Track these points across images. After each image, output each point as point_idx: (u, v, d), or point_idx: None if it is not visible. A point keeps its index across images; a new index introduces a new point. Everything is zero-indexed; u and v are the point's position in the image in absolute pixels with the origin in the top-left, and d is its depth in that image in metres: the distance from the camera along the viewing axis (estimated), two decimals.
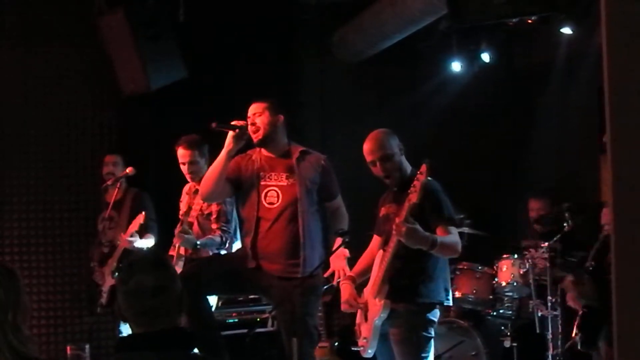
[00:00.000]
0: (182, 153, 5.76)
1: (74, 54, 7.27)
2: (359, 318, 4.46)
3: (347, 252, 4.77)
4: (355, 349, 4.49)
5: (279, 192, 4.84)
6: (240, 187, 4.96)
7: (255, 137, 4.85)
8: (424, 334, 4.29)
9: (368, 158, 4.39)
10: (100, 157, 7.06)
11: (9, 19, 7.17)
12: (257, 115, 4.86)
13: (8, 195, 7.20)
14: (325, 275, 4.83)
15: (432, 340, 4.34)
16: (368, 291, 4.43)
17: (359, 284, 4.53)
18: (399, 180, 4.38)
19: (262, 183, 4.86)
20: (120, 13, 6.51)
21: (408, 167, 4.42)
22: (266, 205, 4.84)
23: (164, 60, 6.66)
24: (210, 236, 5.65)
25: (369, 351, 4.36)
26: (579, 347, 5.30)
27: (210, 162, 5.78)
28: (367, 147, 4.39)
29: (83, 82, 7.33)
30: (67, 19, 7.20)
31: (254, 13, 7.30)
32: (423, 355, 4.28)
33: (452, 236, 4.25)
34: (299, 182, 4.82)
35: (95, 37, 6.78)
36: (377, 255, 4.43)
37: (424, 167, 4.03)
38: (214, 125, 4.76)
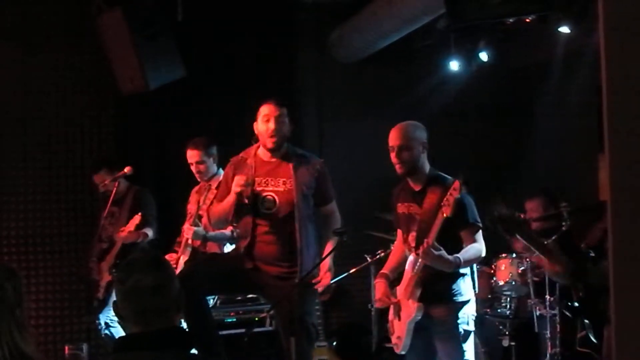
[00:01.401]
0: (190, 154, 5.87)
1: (73, 54, 7.28)
2: (391, 315, 4.55)
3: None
4: (389, 345, 4.65)
5: (276, 197, 4.82)
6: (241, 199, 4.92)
7: (272, 141, 4.81)
8: (466, 329, 4.40)
9: (389, 143, 4.46)
10: (99, 155, 7.07)
11: (9, 19, 7.17)
12: (279, 119, 4.81)
13: (8, 195, 7.20)
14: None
15: (472, 334, 4.46)
16: (401, 291, 4.50)
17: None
18: (411, 172, 4.43)
19: (259, 188, 4.85)
20: (119, 12, 6.49)
21: (427, 166, 4.49)
22: (263, 210, 4.84)
23: (162, 60, 6.64)
24: (221, 231, 5.67)
25: (403, 349, 4.48)
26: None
27: (219, 162, 5.82)
28: (392, 132, 4.47)
29: (82, 81, 7.34)
30: (66, 19, 7.21)
31: (252, 12, 7.29)
32: (464, 348, 4.38)
33: (476, 245, 4.35)
34: (295, 187, 4.81)
35: (94, 37, 6.78)
36: (409, 257, 4.50)
37: (457, 184, 4.11)
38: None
